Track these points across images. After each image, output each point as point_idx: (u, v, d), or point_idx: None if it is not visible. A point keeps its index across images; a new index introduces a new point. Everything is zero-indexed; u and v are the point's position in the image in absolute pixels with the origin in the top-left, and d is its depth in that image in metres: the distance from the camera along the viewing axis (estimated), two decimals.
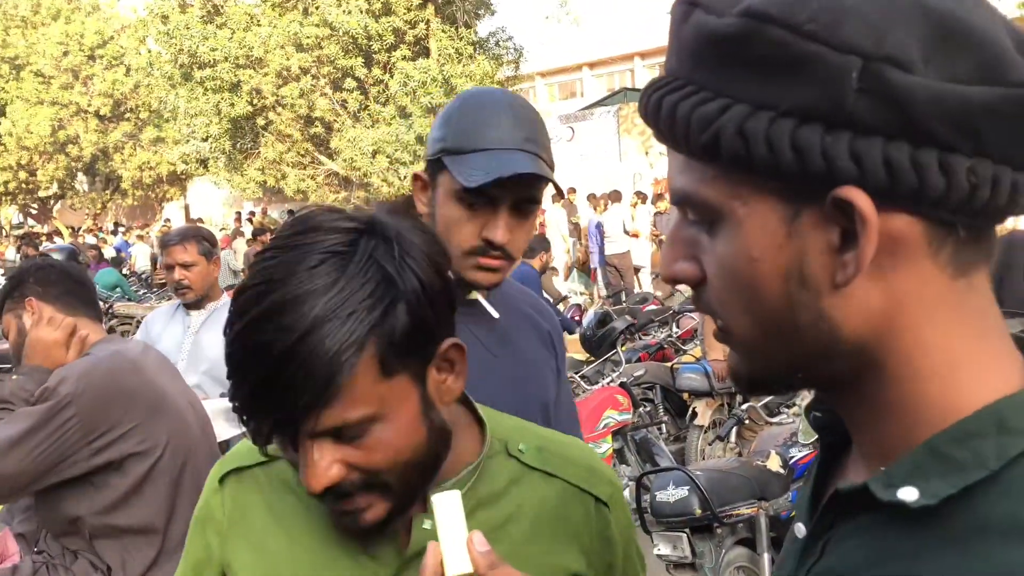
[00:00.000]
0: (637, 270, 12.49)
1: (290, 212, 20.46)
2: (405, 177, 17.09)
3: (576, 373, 5.02)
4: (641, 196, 13.53)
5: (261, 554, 0.92)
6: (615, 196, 13.04)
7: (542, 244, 6.29)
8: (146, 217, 28.37)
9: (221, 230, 19.08)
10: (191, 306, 3.18)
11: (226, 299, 3.32)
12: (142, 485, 2.06)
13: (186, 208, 28.08)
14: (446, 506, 0.78)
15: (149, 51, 20.40)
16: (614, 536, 0.99)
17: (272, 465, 0.96)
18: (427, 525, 0.87)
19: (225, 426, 2.67)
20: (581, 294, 10.28)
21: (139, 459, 2.05)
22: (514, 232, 1.31)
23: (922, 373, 0.57)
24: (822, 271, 0.55)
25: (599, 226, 11.94)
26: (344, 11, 16.42)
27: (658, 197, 12.95)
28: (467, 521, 0.81)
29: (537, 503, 0.95)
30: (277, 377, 0.72)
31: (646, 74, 21.76)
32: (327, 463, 0.77)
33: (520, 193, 1.29)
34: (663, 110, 0.58)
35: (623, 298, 8.72)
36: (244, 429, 2.29)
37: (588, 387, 4.90)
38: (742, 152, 0.54)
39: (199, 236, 3.20)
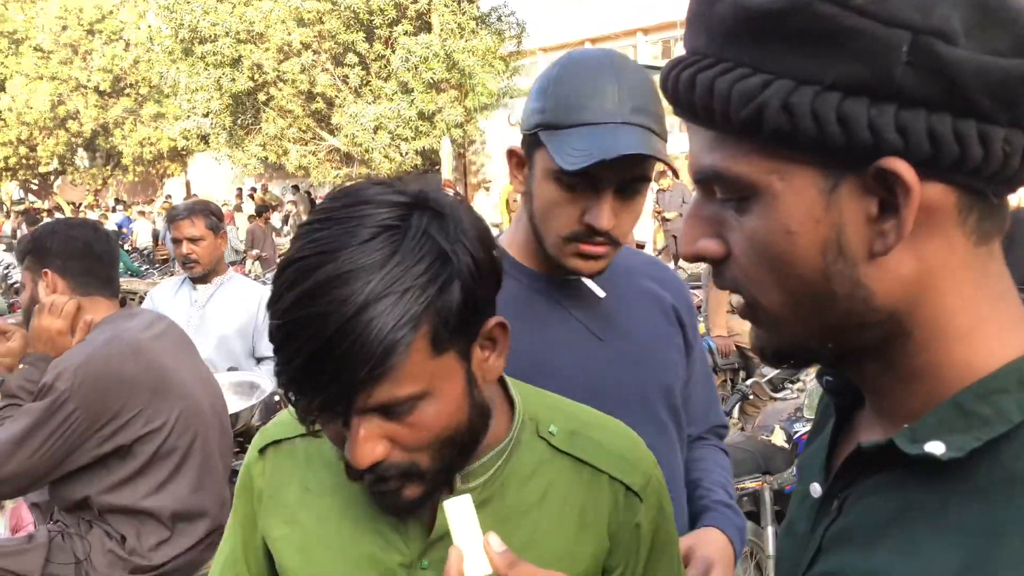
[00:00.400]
0: (640, 247, 12.50)
1: (294, 188, 20.44)
2: (407, 153, 17.04)
3: None
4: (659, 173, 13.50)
5: (292, 527, 0.93)
6: None
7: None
8: (147, 193, 28.32)
9: (223, 205, 19.05)
10: (198, 280, 3.19)
11: (231, 273, 3.32)
12: (150, 465, 2.09)
13: (187, 184, 28.01)
14: (458, 510, 0.79)
15: (149, 26, 20.26)
16: (644, 528, 0.96)
17: (312, 439, 0.95)
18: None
19: (233, 399, 2.69)
20: None
21: (146, 440, 2.07)
22: (619, 216, 1.18)
23: (948, 337, 0.59)
24: (859, 241, 0.57)
25: None
26: None
27: (660, 174, 12.90)
28: (493, 503, 0.83)
29: (564, 489, 0.93)
30: (331, 352, 0.70)
31: (649, 50, 21.60)
32: (374, 440, 0.76)
33: (626, 173, 1.15)
34: (698, 87, 0.58)
35: None
36: (251, 403, 2.31)
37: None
38: (786, 126, 0.55)
39: (206, 210, 3.21)
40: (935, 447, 0.56)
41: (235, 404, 2.82)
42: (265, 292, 3.38)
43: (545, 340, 1.26)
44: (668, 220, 11.87)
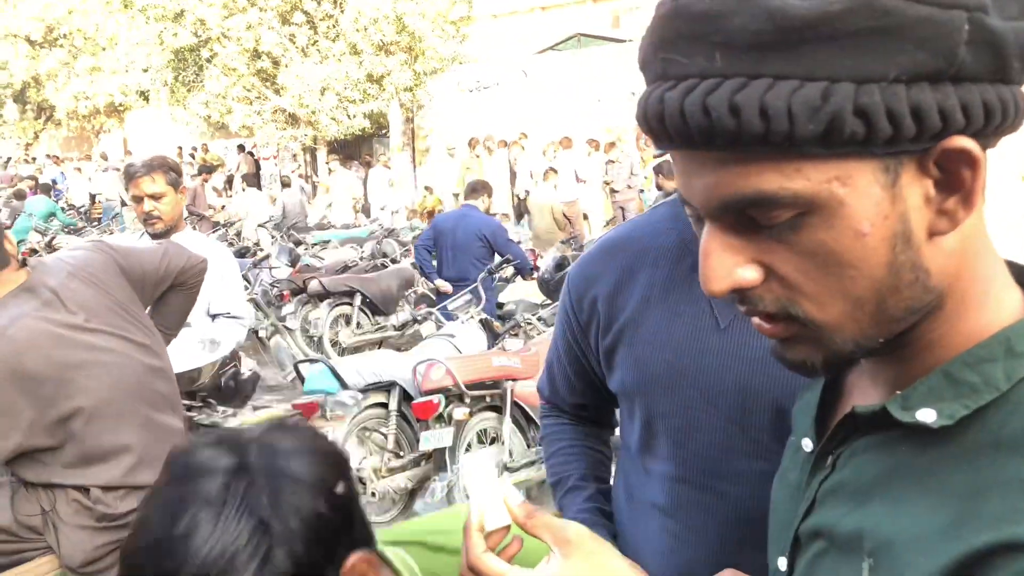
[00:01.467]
0: (586, 216, 12.64)
1: (239, 147, 19.98)
2: (355, 116, 16.82)
3: (533, 316, 5.17)
4: (593, 143, 13.61)
5: None
6: (565, 143, 13.10)
7: (485, 187, 6.39)
8: (82, 149, 27.33)
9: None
10: (157, 236, 3.20)
11: (188, 230, 3.34)
12: (75, 443, 2.05)
13: (124, 141, 27.10)
14: (476, 467, 0.82)
15: None
16: None
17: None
18: None
19: (200, 353, 2.74)
20: (531, 240, 10.40)
21: (65, 424, 2.02)
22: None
23: (971, 304, 0.60)
24: (921, 225, 0.57)
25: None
26: None
27: (609, 145, 13.04)
28: None
29: None
30: None
31: (599, 19, 21.59)
32: None
33: None
34: (744, 110, 0.53)
35: (581, 244, 8.88)
36: (216, 356, 2.39)
37: (544, 329, 5.05)
38: (859, 130, 0.53)
39: (165, 166, 3.17)
40: (926, 415, 0.58)
41: (201, 358, 2.87)
42: (221, 249, 3.41)
43: (668, 305, 1.22)
44: (616, 192, 12.02)
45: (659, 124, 0.58)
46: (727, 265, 0.60)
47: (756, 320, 0.63)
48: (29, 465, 2.07)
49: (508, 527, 0.81)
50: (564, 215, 11.34)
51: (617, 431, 1.48)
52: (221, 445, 0.79)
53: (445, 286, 6.08)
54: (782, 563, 0.73)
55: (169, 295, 2.47)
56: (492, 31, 20.72)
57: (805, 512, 0.70)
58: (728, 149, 0.56)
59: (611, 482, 1.46)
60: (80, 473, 2.07)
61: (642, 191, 11.61)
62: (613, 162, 12.05)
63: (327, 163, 15.89)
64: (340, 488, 0.81)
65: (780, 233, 0.58)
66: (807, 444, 0.73)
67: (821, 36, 0.52)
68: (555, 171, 11.75)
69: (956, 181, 0.55)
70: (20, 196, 13.96)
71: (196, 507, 0.74)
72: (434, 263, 6.26)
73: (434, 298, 6.48)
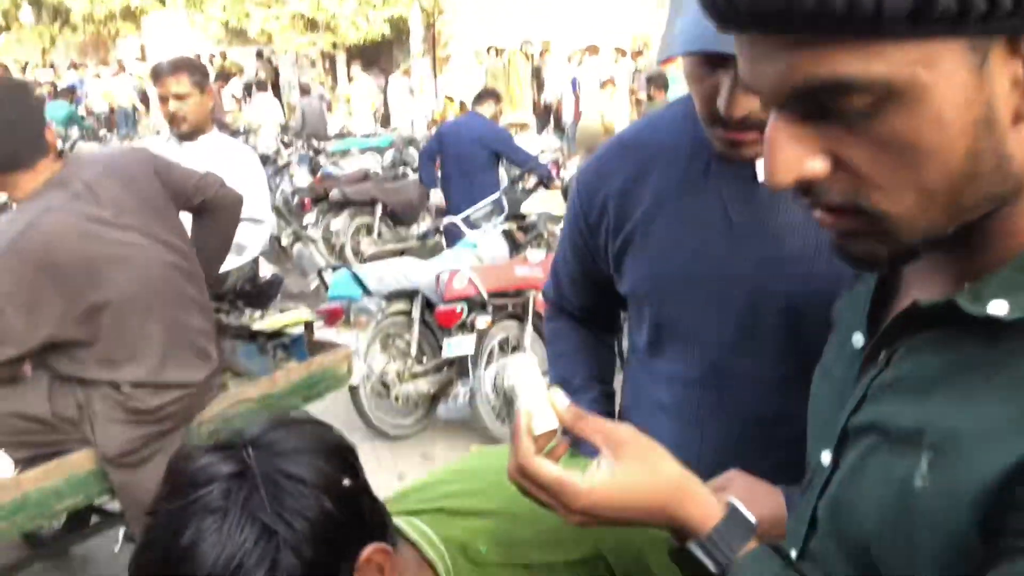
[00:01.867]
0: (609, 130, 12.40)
1: (258, 54, 19.65)
2: (374, 21, 16.42)
3: (556, 226, 5.13)
4: (620, 51, 13.24)
5: None
6: (592, 50, 12.74)
7: (493, 94, 6.24)
8: (98, 55, 27.01)
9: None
10: (184, 138, 3.18)
11: (216, 132, 3.31)
12: (104, 338, 2.09)
13: (141, 48, 26.73)
14: (522, 369, 0.81)
15: None
16: (614, 563, 0.96)
17: None
18: None
19: (227, 257, 2.75)
20: (555, 151, 10.25)
21: (91, 317, 2.06)
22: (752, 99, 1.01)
23: None
24: (1007, 109, 0.54)
25: (574, 81, 11.74)
26: None
27: (637, 54, 12.67)
28: None
29: None
30: None
31: None
32: None
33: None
34: None
35: None
36: (243, 260, 2.36)
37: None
38: (953, 6, 0.49)
39: (191, 66, 3.15)
40: (998, 307, 0.56)
41: (229, 261, 2.88)
42: (247, 153, 3.38)
43: (680, 206, 1.20)
44: (642, 102, 11.72)
45: (728, 4, 0.54)
46: (794, 156, 0.57)
47: (819, 213, 0.60)
48: (64, 360, 2.12)
49: (555, 431, 0.80)
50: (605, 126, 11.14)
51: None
52: (220, 451, 0.78)
53: (438, 198, 6.00)
54: (826, 457, 0.71)
55: (202, 231, 2.45)
56: None
57: (855, 407, 0.68)
58: (805, 31, 0.52)
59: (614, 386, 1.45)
60: (110, 370, 2.12)
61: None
62: (640, 71, 11.70)
63: (348, 71, 15.57)
64: (347, 482, 0.79)
65: (854, 121, 0.55)
66: (858, 340, 0.71)
67: None
68: (613, 83, 11.41)
69: None
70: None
71: (199, 518, 0.73)
72: (439, 173, 6.15)
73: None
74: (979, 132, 0.53)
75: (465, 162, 5.84)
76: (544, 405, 0.79)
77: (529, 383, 0.80)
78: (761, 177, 1.13)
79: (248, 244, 3.13)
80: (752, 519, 0.77)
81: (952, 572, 0.55)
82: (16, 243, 1.95)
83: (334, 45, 17.42)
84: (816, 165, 0.57)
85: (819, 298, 1.07)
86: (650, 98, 8.12)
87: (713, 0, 0.56)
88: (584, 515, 0.76)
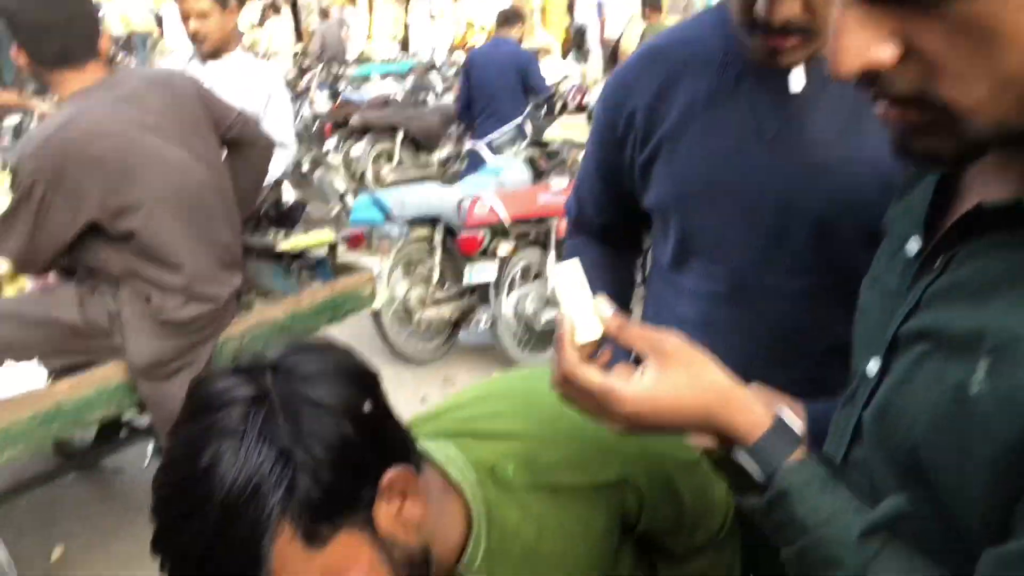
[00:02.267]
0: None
1: None
2: None
3: (579, 154, 5.06)
4: None
5: None
6: None
7: (519, 15, 6.08)
8: None
9: None
10: (207, 56, 3.13)
11: (239, 51, 3.25)
12: (140, 238, 2.13)
13: None
14: (566, 276, 0.79)
15: None
16: (647, 502, 0.97)
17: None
18: None
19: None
20: (579, 76, 10.05)
21: (127, 216, 2.10)
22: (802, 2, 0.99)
23: None
24: None
25: (599, 5, 11.44)
26: None
27: None
28: (498, 568, 0.81)
29: (553, 516, 0.93)
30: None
31: None
32: None
33: None
34: None
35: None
36: (269, 183, 2.28)
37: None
38: None
39: None
40: None
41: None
42: (272, 74, 3.33)
43: (710, 117, 1.17)
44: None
45: None
46: (863, 41, 0.55)
47: (881, 108, 0.58)
48: (99, 256, 2.16)
49: (599, 339, 0.79)
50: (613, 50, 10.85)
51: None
52: (240, 374, 0.78)
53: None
54: (873, 365, 0.70)
55: (235, 167, 2.46)
56: None
57: (907, 315, 0.67)
58: None
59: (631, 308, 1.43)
60: (142, 271, 2.16)
61: None
62: None
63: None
64: (367, 407, 0.78)
65: (928, 8, 0.52)
66: (912, 246, 0.69)
67: None
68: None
69: None
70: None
71: (217, 440, 0.73)
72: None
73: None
74: None
75: (491, 87, 5.72)
76: (588, 313, 0.79)
77: (574, 291, 0.79)
78: (794, 87, 1.10)
79: (273, 168, 3.10)
80: (798, 430, 0.76)
81: (1005, 478, 0.54)
82: (58, 134, 2.00)
83: None
84: (884, 52, 0.55)
85: (849, 212, 1.09)
86: (645, 17, 7.80)
87: None
88: (629, 422, 0.76)
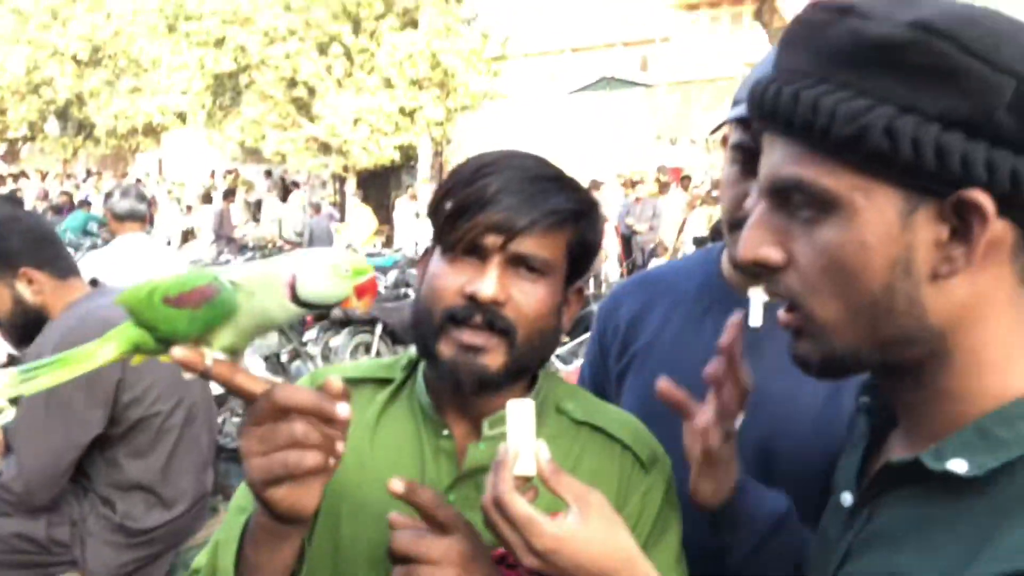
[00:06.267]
0: (606, 256, 12.68)
1: (267, 173, 20.35)
2: (385, 147, 17.09)
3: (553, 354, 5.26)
4: (628, 184, 13.69)
5: None
6: (594, 184, 13.21)
7: None
8: (117, 168, 27.91)
9: (204, 187, 18.92)
10: None
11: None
12: (133, 431, 2.16)
13: (159, 162, 27.67)
14: (519, 413, 0.84)
15: None
16: (649, 500, 1.01)
17: (359, 384, 1.06)
18: (483, 446, 0.98)
19: None
20: None
21: (130, 407, 2.13)
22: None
23: (984, 364, 0.64)
24: (926, 263, 0.62)
25: None
26: None
27: (636, 184, 13.06)
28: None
29: (587, 457, 1.01)
30: (532, 182, 0.95)
31: (630, 61, 21.81)
32: (506, 283, 0.93)
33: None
34: (801, 102, 0.62)
35: (599, 281, 8.93)
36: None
37: (563, 367, 5.14)
38: (885, 148, 0.59)
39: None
40: (957, 465, 0.61)
41: None
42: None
43: (679, 340, 1.29)
44: (638, 233, 12.03)
45: (755, 102, 0.68)
46: (759, 238, 0.68)
47: (782, 314, 0.71)
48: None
49: (531, 478, 0.83)
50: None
51: None
52: None
53: None
54: None
55: None
56: (524, 70, 21.01)
57: (840, 561, 0.73)
58: (785, 132, 0.65)
59: None
60: (112, 473, 2.17)
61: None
62: (640, 199, 12.00)
63: (355, 195, 16.01)
64: None
65: (805, 223, 0.65)
66: (847, 498, 0.77)
67: (884, 61, 0.60)
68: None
69: (968, 232, 0.60)
70: (57, 211, 14.30)
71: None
72: None
73: None
74: (897, 271, 0.62)
75: None
76: (529, 452, 0.82)
77: (522, 428, 0.83)
78: (752, 322, 1.20)
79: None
80: None
81: None
82: (75, 329, 2.00)
83: (345, 168, 18.06)
84: (772, 253, 0.68)
85: (795, 442, 1.17)
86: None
87: (751, 94, 0.70)
88: (543, 556, 0.79)
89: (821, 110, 0.61)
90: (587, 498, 0.82)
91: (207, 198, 14.44)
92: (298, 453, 0.73)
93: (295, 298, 0.78)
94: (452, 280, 0.95)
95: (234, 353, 0.82)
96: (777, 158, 0.67)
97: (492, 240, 0.92)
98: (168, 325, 0.78)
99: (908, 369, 0.66)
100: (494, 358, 0.93)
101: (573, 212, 0.96)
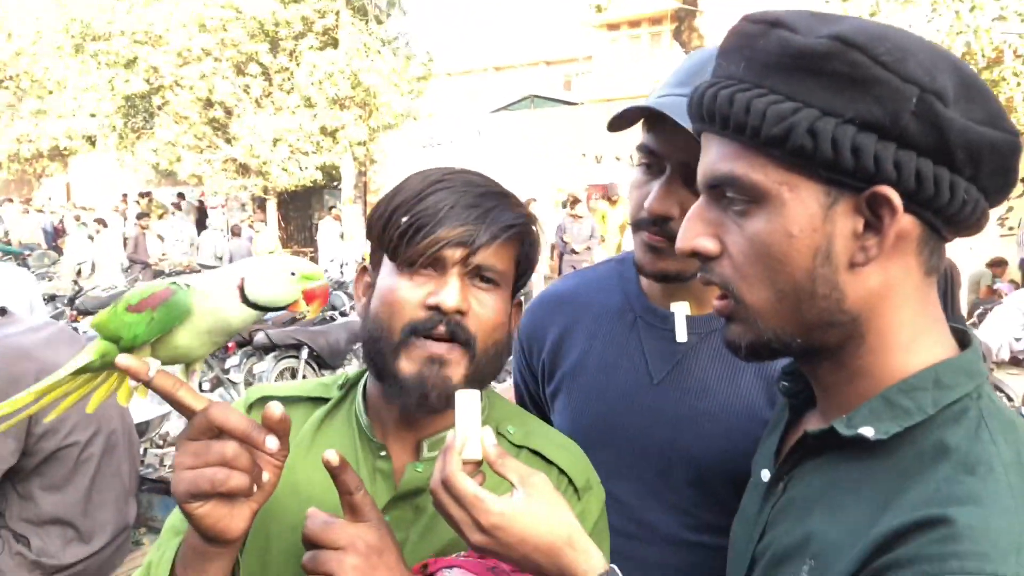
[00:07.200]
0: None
1: (179, 195, 19.78)
2: (306, 168, 16.84)
3: None
4: (562, 203, 13.73)
5: None
6: (528, 201, 13.23)
7: None
8: (21, 192, 26.69)
9: (115, 211, 18.24)
10: None
11: None
12: (47, 463, 2.06)
13: (67, 186, 26.59)
14: (466, 401, 0.87)
15: (38, 18, 19.28)
16: (582, 525, 1.04)
17: (294, 403, 1.07)
18: (420, 467, 1.00)
19: (149, 406, 2.70)
20: None
21: (44, 439, 2.04)
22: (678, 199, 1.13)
23: (893, 345, 0.72)
24: (844, 252, 0.69)
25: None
26: None
27: (574, 202, 13.02)
28: None
29: None
30: (482, 200, 0.96)
31: (553, 80, 22.11)
32: (466, 294, 0.95)
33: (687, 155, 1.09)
34: (735, 104, 0.70)
35: (528, 297, 8.95)
36: (166, 410, 2.34)
37: (495, 384, 5.10)
38: (808, 146, 0.67)
39: None
40: (866, 431, 0.70)
41: (147, 412, 2.83)
42: None
43: (605, 359, 1.28)
44: (576, 252, 11.98)
45: (695, 104, 0.75)
46: (695, 230, 0.75)
47: (716, 302, 0.77)
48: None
49: (479, 462, 0.86)
50: None
51: None
52: None
53: None
54: None
55: None
56: (446, 89, 21.05)
57: (760, 536, 0.79)
58: (720, 132, 0.72)
59: None
60: (27, 508, 2.05)
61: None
62: (578, 217, 11.97)
63: (248, 223, 15.62)
64: None
65: (737, 215, 0.72)
66: (765, 475, 0.83)
67: (808, 68, 0.67)
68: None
69: (879, 224, 0.68)
70: None
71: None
72: None
73: None
74: (818, 259, 0.69)
75: None
76: (475, 438, 0.86)
77: (469, 415, 0.87)
78: (679, 337, 1.21)
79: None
80: None
81: None
82: None
83: (265, 189, 17.70)
84: (706, 243, 0.75)
85: (729, 456, 1.16)
86: None
87: (691, 100, 0.76)
88: (489, 533, 0.81)
89: (753, 111, 0.68)
90: (531, 479, 0.85)
91: (101, 222, 13.90)
92: (225, 472, 0.77)
93: (245, 299, 0.82)
94: (411, 293, 0.95)
95: (188, 366, 0.86)
96: (713, 156, 0.73)
97: (452, 253, 0.94)
98: (130, 331, 0.81)
99: (828, 351, 0.73)
100: (456, 370, 0.95)
101: (523, 227, 1.00)
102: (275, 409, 0.79)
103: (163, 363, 0.82)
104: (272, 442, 0.79)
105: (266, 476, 0.81)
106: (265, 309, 0.84)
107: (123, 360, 0.76)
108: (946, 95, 0.65)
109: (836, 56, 0.66)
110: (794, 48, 0.68)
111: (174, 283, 0.83)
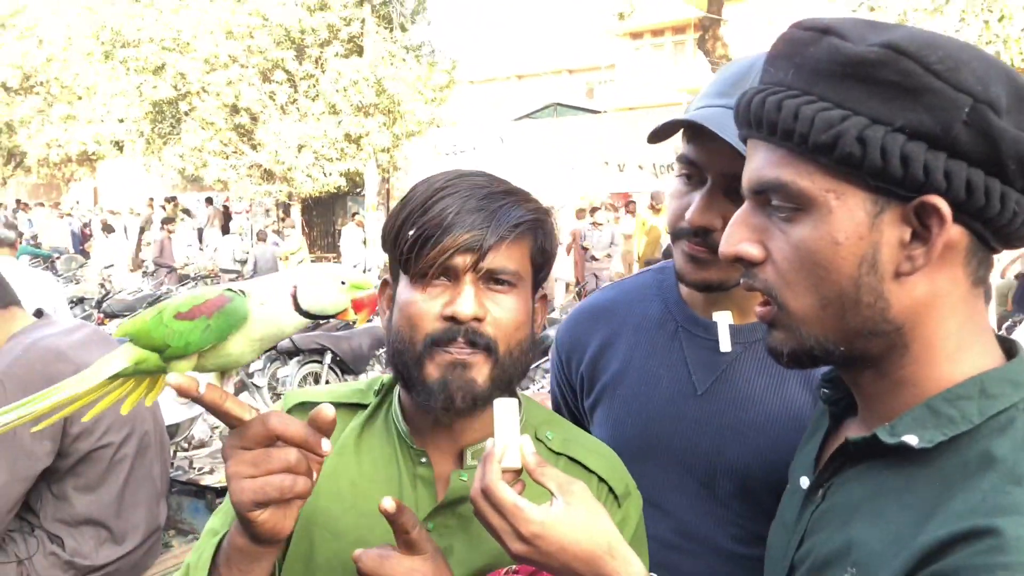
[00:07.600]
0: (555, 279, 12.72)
1: (207, 200, 19.98)
2: (330, 174, 16.94)
3: None
4: (580, 211, 13.73)
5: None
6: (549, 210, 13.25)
7: None
8: (50, 196, 27.09)
9: (131, 213, 18.44)
10: None
11: None
12: (83, 463, 2.07)
13: (95, 190, 26.96)
14: (504, 410, 0.88)
15: (68, 24, 19.59)
16: (622, 533, 1.01)
17: (337, 406, 1.04)
18: (465, 476, 0.99)
19: (179, 408, 2.73)
20: None
21: (80, 439, 2.05)
22: (719, 212, 1.11)
23: (938, 355, 0.71)
24: (890, 260, 0.69)
25: None
26: (279, 2, 16.21)
27: (594, 210, 13.03)
28: None
29: None
30: (489, 203, 0.95)
31: (576, 88, 22.13)
32: (479, 299, 0.94)
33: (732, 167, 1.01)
34: (784, 110, 0.70)
35: (553, 307, 8.93)
36: (195, 413, 2.36)
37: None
38: (857, 154, 0.66)
39: None
40: (910, 439, 0.69)
41: (177, 414, 2.85)
42: None
43: (647, 370, 1.27)
44: (596, 260, 11.98)
45: (742, 110, 0.75)
46: (739, 235, 0.75)
47: (759, 309, 0.77)
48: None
49: (519, 471, 0.86)
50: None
51: None
52: None
53: None
54: None
55: None
56: (470, 97, 21.14)
57: (798, 543, 0.79)
58: (768, 138, 0.72)
59: None
60: (61, 509, 2.06)
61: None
62: (598, 224, 11.97)
63: (273, 229, 15.74)
64: None
65: (782, 221, 0.72)
66: (804, 481, 0.83)
67: (858, 76, 0.67)
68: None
69: (927, 234, 0.67)
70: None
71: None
72: None
73: None
74: (863, 267, 0.69)
75: None
76: (514, 446, 0.86)
77: (508, 424, 0.88)
78: (723, 347, 1.20)
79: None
80: None
81: None
82: (20, 359, 1.96)
83: (289, 195, 17.84)
84: (751, 249, 0.75)
85: (775, 467, 1.13)
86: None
87: (738, 107, 0.76)
88: (529, 543, 0.82)
89: (801, 117, 0.68)
90: (570, 488, 0.85)
91: (108, 228, 14.08)
92: (291, 478, 0.79)
93: (297, 308, 0.83)
94: (427, 306, 0.96)
95: (224, 372, 0.86)
96: (759, 161, 0.73)
97: (462, 260, 0.94)
98: (181, 339, 0.81)
99: (870, 360, 0.73)
100: (480, 372, 0.95)
101: (532, 222, 0.98)
102: (328, 411, 0.81)
103: (206, 370, 0.82)
104: (327, 445, 0.80)
105: (314, 475, 0.83)
106: (316, 317, 0.84)
107: (173, 379, 0.77)
108: (999, 105, 0.65)
109: (888, 64, 0.66)
110: (845, 56, 0.68)
111: (229, 289, 0.83)
